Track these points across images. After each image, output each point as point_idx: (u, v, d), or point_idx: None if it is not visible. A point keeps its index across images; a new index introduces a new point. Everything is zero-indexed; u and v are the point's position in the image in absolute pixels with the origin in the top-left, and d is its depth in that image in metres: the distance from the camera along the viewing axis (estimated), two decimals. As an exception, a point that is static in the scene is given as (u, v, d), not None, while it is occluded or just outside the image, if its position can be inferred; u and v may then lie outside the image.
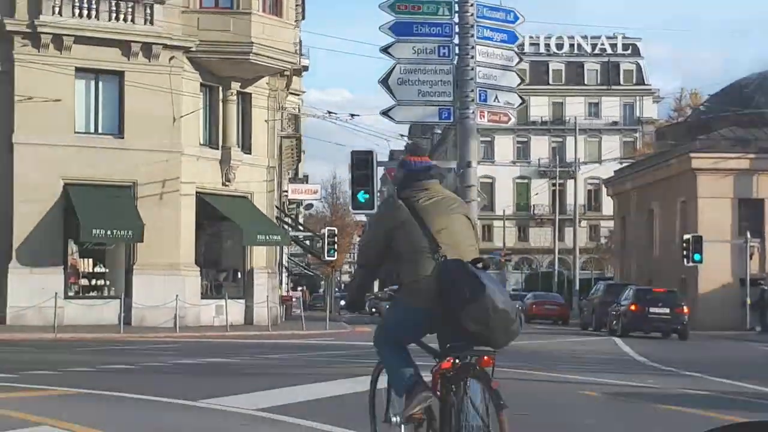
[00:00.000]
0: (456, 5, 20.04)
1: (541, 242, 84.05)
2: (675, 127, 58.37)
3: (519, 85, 20.84)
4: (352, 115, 32.12)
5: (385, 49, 20.19)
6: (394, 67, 20.20)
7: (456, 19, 20.02)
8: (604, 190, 72.91)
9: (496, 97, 20.41)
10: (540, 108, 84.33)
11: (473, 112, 20.01)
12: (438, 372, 5.45)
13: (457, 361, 5.37)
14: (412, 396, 5.45)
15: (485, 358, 5.29)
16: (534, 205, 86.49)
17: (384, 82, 20.09)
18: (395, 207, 5.73)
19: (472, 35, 19.95)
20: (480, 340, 5.27)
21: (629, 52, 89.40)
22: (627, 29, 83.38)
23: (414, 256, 5.56)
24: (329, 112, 34.22)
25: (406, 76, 20.17)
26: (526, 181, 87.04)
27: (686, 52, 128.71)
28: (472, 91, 19.94)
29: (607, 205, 78.99)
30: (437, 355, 5.55)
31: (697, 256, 37.61)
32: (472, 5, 19.93)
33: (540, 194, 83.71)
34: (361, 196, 18.85)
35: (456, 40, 20.14)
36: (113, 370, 14.23)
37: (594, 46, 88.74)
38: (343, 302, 35.32)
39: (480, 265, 5.41)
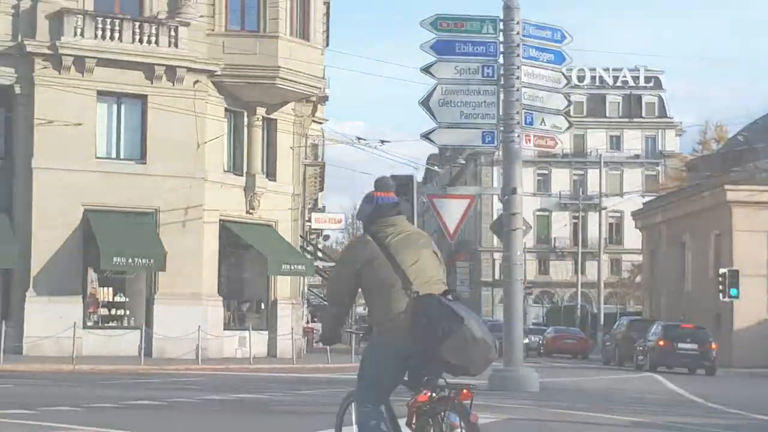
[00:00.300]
0: (501, 23, 19.10)
1: (562, 276, 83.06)
2: (707, 158, 57.25)
3: (567, 107, 19.85)
4: (382, 142, 31.58)
5: (426, 69, 19.25)
6: (434, 88, 19.21)
7: (501, 38, 19.08)
8: (625, 223, 71.55)
9: (543, 120, 19.40)
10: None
11: (518, 136, 19.00)
12: (414, 405, 5.39)
13: (433, 395, 5.30)
14: None
15: (464, 391, 5.22)
16: (555, 238, 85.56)
17: (425, 103, 19.11)
18: (365, 243, 5.64)
19: (518, 54, 18.95)
20: (458, 371, 5.28)
21: (651, 84, 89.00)
22: (643, 55, 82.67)
23: (386, 292, 5.46)
24: (358, 138, 33.61)
25: (448, 97, 19.18)
26: (546, 213, 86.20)
27: (701, 85, 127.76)
28: (518, 113, 18.94)
29: (629, 239, 77.93)
30: (412, 388, 5.50)
31: (734, 291, 37.06)
32: (518, 23, 18.94)
33: (561, 227, 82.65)
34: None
35: (501, 60, 19.21)
36: (139, 407, 13.20)
37: (616, 78, 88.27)
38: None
39: (450, 297, 5.39)
